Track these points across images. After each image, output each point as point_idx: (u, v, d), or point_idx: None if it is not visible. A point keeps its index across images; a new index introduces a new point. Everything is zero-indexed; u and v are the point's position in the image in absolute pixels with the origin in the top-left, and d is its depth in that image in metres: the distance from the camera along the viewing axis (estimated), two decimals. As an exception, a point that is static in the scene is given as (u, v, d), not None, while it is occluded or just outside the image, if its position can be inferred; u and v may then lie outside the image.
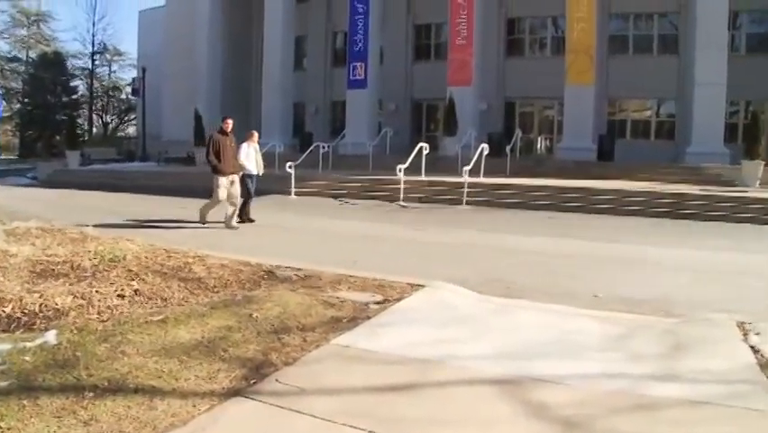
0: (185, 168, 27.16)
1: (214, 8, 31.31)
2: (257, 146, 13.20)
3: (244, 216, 12.59)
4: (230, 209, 11.94)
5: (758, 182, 18.48)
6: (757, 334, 5.11)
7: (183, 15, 33.52)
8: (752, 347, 4.81)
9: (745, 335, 5.13)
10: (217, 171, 11.74)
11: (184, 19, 33.24)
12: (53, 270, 6.51)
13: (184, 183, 21.03)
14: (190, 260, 7.31)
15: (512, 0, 28.55)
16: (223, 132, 12.09)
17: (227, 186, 11.78)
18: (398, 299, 6.14)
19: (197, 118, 28.12)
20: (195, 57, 31.60)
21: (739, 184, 18.57)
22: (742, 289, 7.60)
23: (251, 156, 12.72)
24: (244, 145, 12.63)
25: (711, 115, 21.56)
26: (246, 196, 12.57)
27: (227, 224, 11.87)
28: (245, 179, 12.48)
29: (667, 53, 26.35)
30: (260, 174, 13.19)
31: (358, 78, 27.25)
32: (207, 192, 12.34)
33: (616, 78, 26.06)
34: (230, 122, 12.29)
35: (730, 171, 19.74)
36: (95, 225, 9.94)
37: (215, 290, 6.27)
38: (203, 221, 12.19)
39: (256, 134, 13.43)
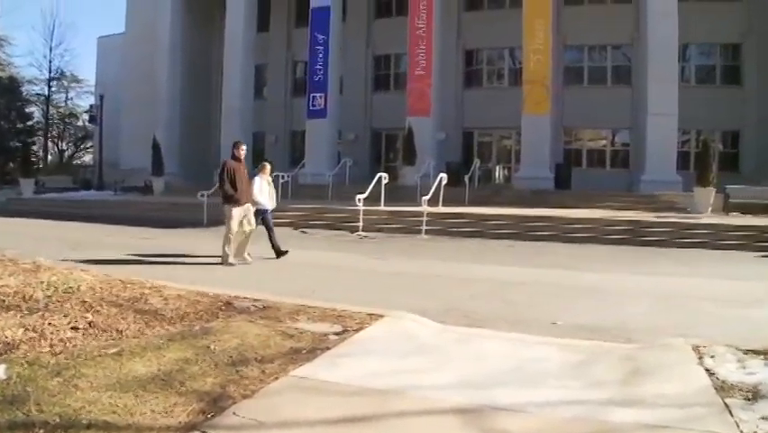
0: (143, 197, 26.83)
1: (174, 36, 31.25)
2: (269, 179, 12.62)
3: (276, 250, 12.03)
4: (234, 244, 11.22)
5: (710, 209, 18.93)
6: (712, 357, 5.18)
7: (142, 42, 33.37)
8: (707, 370, 4.87)
9: (700, 358, 5.19)
10: (231, 201, 11.06)
11: (143, 46, 33.12)
12: (3, 301, 6.28)
13: (142, 213, 20.71)
14: (147, 291, 7.14)
15: (470, 32, 29.11)
16: (236, 158, 11.43)
17: (240, 217, 11.18)
18: (358, 330, 6.07)
19: (156, 146, 27.87)
20: (154, 84, 31.40)
21: (692, 211, 19.00)
22: (697, 313, 7.72)
23: (264, 190, 12.09)
24: (257, 178, 12.01)
25: (664, 144, 22.21)
26: (270, 231, 12.07)
27: (224, 260, 11.07)
28: (261, 213, 11.85)
29: (621, 84, 27.11)
30: (274, 207, 12.62)
31: (318, 107, 27.33)
32: (165, 222, 12.11)
33: (571, 108, 26.71)
34: (244, 147, 11.73)
35: (683, 198, 20.22)
36: (68, 259, 9.70)
37: (172, 321, 6.12)
38: (225, 261, 11.08)
39: (269, 166, 12.75)
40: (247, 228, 11.32)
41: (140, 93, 33.30)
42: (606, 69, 27.88)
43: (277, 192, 21.66)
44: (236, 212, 11.07)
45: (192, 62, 32.23)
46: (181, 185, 28.48)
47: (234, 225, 11.08)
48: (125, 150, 35.39)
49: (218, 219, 13.11)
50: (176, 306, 6.66)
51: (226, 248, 11.09)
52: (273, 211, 12.50)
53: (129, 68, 36.03)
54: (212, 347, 5.22)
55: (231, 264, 10.94)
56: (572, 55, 28.25)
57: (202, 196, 19.69)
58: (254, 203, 11.65)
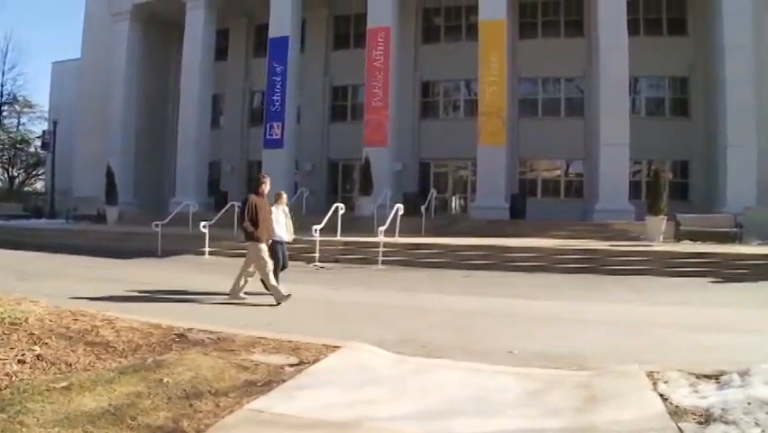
0: (96, 226, 26.27)
1: (130, 63, 30.96)
2: (286, 209, 12.13)
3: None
4: (243, 279, 10.70)
5: (662, 237, 19.32)
6: (666, 382, 5.24)
7: (98, 69, 32.90)
8: (661, 395, 4.93)
9: (654, 384, 5.25)
10: (253, 239, 10.38)
11: (99, 72, 32.66)
12: (-57, 336, 6.07)
13: (95, 242, 20.27)
14: (98, 323, 6.95)
15: (427, 64, 29.50)
16: (259, 193, 10.71)
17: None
18: (314, 361, 6.00)
19: (110, 174, 27.44)
20: (109, 111, 30.98)
21: (645, 239, 19.37)
22: (650, 339, 7.83)
23: (280, 220, 11.63)
24: (273, 209, 11.46)
25: (616, 174, 22.77)
26: (276, 264, 11.12)
27: (278, 297, 10.25)
28: (275, 245, 11.28)
29: (574, 115, 27.73)
30: (291, 240, 12.19)
31: (274, 137, 27.27)
32: (118, 252, 11.82)
33: (526, 138, 27.23)
34: (267, 181, 11.00)
35: (636, 227, 20.65)
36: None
37: (124, 354, 5.98)
38: (279, 299, 10.23)
39: (285, 196, 12.35)
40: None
41: (94, 120, 32.81)
42: (560, 100, 28.48)
43: (233, 221, 21.73)
44: (264, 247, 10.46)
45: (148, 90, 31.99)
46: (135, 214, 28.08)
47: (268, 258, 10.48)
48: (78, 177, 34.67)
49: (172, 249, 12.87)
50: (128, 338, 6.51)
51: (273, 284, 10.36)
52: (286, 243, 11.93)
53: (84, 94, 35.42)
54: (165, 380, 5.09)
55: (285, 297, 10.21)
56: (527, 87, 28.79)
57: (156, 226, 19.41)
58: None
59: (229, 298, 10.57)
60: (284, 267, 11.69)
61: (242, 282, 10.68)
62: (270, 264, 10.44)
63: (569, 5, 28.37)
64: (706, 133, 25.62)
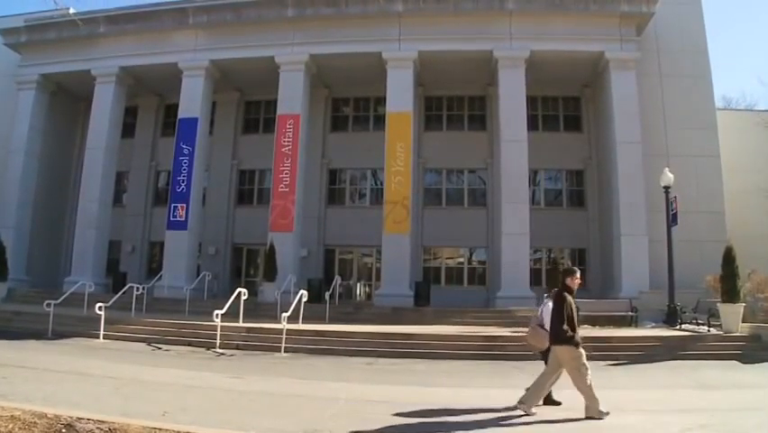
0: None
1: (32, 133, 29.55)
2: (573, 302, 9.82)
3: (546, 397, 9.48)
4: (546, 389, 9.22)
5: (562, 323, 19.69)
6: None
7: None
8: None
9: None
10: (572, 343, 8.78)
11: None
12: None
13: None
14: (-27, 414, 6.29)
15: (334, 151, 29.97)
16: (570, 289, 9.15)
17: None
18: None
19: (1, 248, 25.79)
20: (5, 181, 29.26)
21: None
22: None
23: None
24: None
25: (517, 262, 23.46)
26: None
27: (595, 410, 8.58)
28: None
29: (477, 205, 28.63)
30: None
31: (179, 219, 26.64)
32: (4, 333, 10.90)
33: (430, 227, 27.84)
34: (578, 275, 9.47)
35: (537, 313, 20.92)
36: None
37: (0, 448, 5.40)
38: (598, 413, 8.54)
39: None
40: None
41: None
42: (463, 191, 29.32)
43: (132, 304, 20.87)
44: (584, 352, 8.91)
45: (50, 161, 30.69)
46: (27, 292, 26.45)
47: (586, 362, 8.88)
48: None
49: (65, 331, 12.03)
50: (7, 429, 5.90)
51: (591, 393, 8.68)
52: None
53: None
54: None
55: (605, 413, 8.54)
56: (432, 177, 29.53)
57: (48, 305, 18.22)
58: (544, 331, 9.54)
59: (521, 408, 8.91)
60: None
61: (542, 393, 9.16)
62: (589, 372, 8.82)
63: (472, 101, 29.83)
64: (600, 222, 26.95)
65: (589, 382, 8.65)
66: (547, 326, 9.20)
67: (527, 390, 9.05)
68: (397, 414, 8.66)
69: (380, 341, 16.96)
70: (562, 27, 25.16)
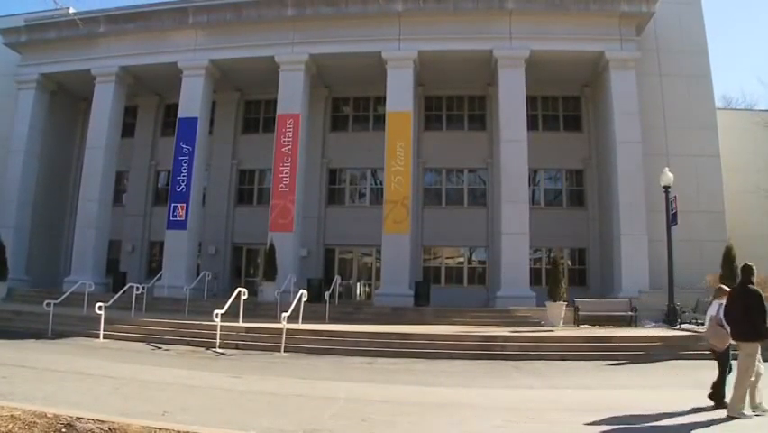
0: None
1: (32, 132, 29.52)
2: None
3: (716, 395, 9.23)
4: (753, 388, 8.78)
5: (562, 321, 19.77)
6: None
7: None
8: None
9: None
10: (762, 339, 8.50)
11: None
12: None
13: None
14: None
15: (334, 151, 29.93)
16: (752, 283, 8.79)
17: None
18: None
19: (1, 248, 25.76)
20: (5, 181, 29.21)
21: (545, 324, 19.75)
22: (550, 424, 7.73)
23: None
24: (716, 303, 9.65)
25: (517, 262, 23.43)
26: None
27: (737, 409, 8.45)
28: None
29: (477, 205, 28.58)
30: None
31: (178, 219, 26.62)
32: (4, 332, 10.86)
33: (430, 227, 27.81)
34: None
35: (537, 312, 21.09)
36: None
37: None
38: (739, 412, 8.41)
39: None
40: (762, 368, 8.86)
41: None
42: (463, 190, 29.30)
43: (132, 304, 20.86)
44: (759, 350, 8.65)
45: (50, 161, 30.69)
46: (27, 292, 26.41)
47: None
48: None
49: (63, 331, 12.03)
50: (7, 429, 5.88)
51: (744, 393, 8.53)
52: None
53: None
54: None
55: (746, 416, 8.40)
56: (431, 177, 29.51)
57: (48, 305, 18.16)
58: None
59: (728, 413, 8.53)
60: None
61: (748, 394, 8.68)
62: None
63: (472, 101, 29.77)
64: (600, 222, 26.94)
65: (748, 382, 8.45)
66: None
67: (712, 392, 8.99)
68: (398, 415, 8.62)
69: (380, 341, 16.91)
70: (561, 27, 25.16)
